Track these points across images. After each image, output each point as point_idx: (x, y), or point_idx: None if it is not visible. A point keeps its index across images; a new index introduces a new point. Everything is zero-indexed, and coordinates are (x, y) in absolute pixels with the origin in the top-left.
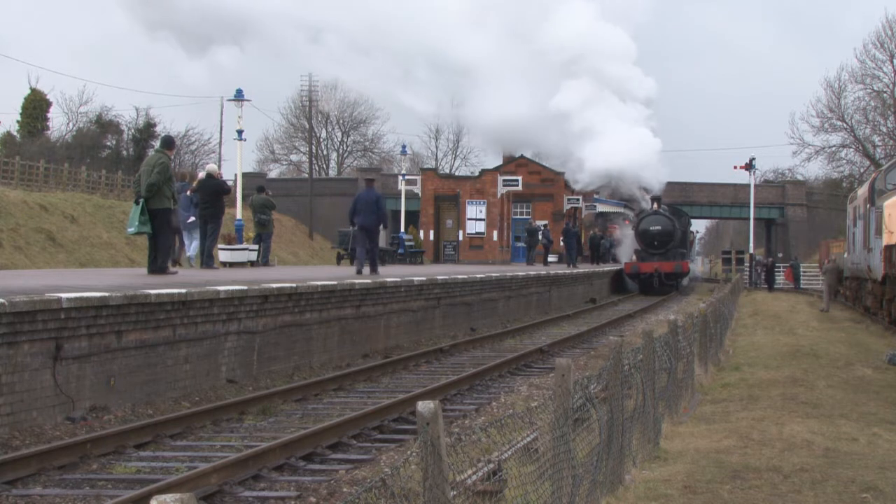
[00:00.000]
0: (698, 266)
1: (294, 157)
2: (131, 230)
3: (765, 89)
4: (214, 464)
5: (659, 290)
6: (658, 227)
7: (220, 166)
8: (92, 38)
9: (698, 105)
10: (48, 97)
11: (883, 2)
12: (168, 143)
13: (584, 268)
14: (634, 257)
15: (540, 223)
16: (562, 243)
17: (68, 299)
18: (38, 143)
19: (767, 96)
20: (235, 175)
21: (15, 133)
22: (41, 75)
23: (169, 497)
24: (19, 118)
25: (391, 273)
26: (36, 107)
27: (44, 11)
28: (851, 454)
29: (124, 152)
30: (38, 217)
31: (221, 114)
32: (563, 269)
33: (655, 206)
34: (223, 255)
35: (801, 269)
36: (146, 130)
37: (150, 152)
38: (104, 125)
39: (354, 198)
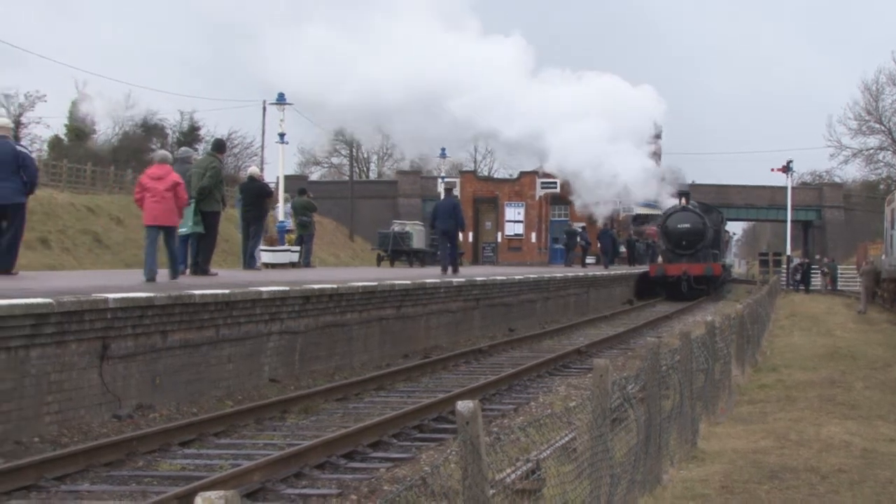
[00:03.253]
0: (735, 267)
1: (335, 160)
2: (184, 230)
3: (802, 92)
4: (257, 461)
5: (687, 295)
6: (686, 226)
7: (262, 169)
8: (135, 41)
9: (735, 109)
10: (86, 94)
11: None
12: (219, 146)
13: (620, 269)
14: (661, 259)
15: (578, 225)
16: (598, 245)
17: (115, 300)
18: (84, 147)
19: (805, 99)
20: (277, 178)
21: (63, 137)
22: (88, 80)
23: (213, 494)
24: (67, 122)
25: (430, 274)
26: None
27: (88, 16)
28: (889, 455)
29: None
30: (84, 219)
31: (263, 117)
32: (600, 271)
33: (683, 201)
34: (265, 257)
35: (839, 271)
36: (190, 134)
37: (197, 156)
38: (149, 129)
39: (435, 205)
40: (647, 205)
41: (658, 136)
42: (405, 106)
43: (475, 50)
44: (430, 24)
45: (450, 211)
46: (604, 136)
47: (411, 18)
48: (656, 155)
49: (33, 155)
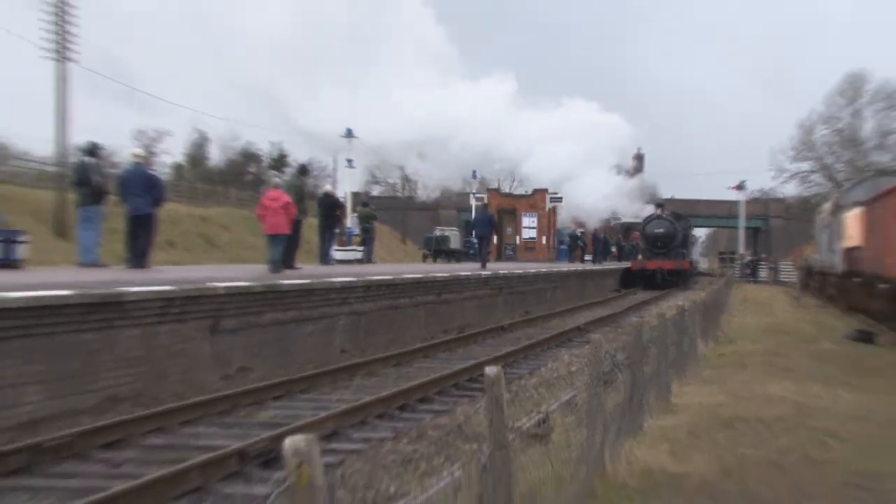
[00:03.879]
0: (700, 264)
1: (390, 180)
2: None
3: (753, 128)
4: (331, 412)
5: (662, 286)
6: (661, 230)
7: (334, 187)
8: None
9: (702, 140)
10: (206, 134)
11: (844, 58)
12: (303, 170)
13: (610, 265)
14: (640, 256)
15: (578, 230)
16: (593, 246)
17: (223, 287)
18: (198, 170)
19: (755, 134)
20: (346, 193)
21: (183, 163)
22: (201, 118)
23: (298, 437)
24: (185, 152)
25: (464, 268)
26: (197, 145)
27: (198, 69)
28: (817, 408)
29: (263, 177)
30: (199, 225)
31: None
32: (595, 266)
33: (659, 211)
34: (337, 255)
35: (781, 265)
36: (280, 160)
37: (283, 178)
38: (248, 156)
39: (474, 217)
40: (632, 216)
41: (639, 158)
42: (426, 141)
43: (469, 93)
44: (432, 79)
45: (486, 221)
46: (576, 158)
47: (419, 78)
48: (637, 171)
49: (161, 177)
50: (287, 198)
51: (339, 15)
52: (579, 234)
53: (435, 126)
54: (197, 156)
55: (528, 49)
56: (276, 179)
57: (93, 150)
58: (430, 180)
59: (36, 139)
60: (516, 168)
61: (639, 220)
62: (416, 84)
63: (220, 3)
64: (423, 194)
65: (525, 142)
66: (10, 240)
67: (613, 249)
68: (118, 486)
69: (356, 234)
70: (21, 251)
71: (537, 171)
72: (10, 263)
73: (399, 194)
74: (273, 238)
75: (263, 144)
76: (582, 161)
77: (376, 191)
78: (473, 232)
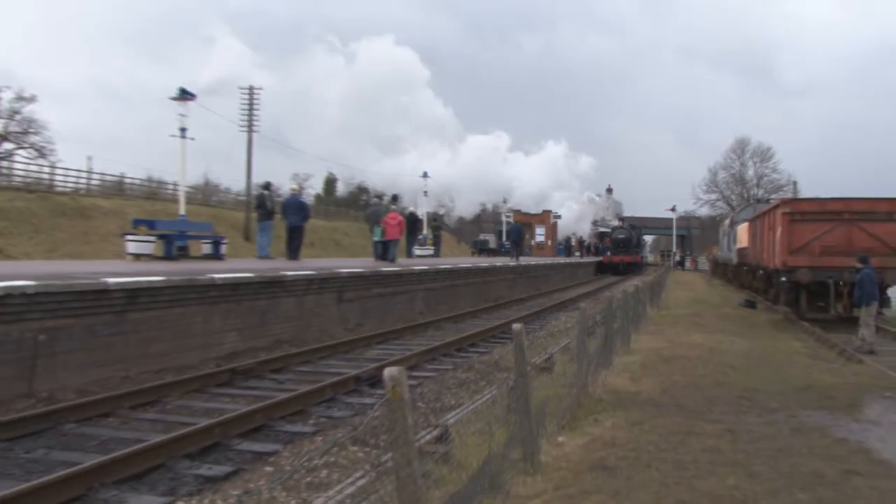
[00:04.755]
0: (648, 258)
1: (449, 204)
2: (376, 238)
3: (680, 171)
4: (414, 351)
5: (623, 273)
6: (623, 236)
7: (416, 208)
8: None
9: (649, 176)
10: (335, 175)
11: (736, 126)
12: (395, 198)
13: (590, 259)
14: (609, 253)
15: (572, 236)
16: (578, 247)
17: (346, 272)
18: (330, 198)
19: (681, 173)
20: (423, 213)
21: (321, 193)
22: (330, 165)
23: (393, 368)
24: (323, 186)
25: (499, 261)
26: (330, 181)
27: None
28: (721, 350)
29: (370, 203)
30: (331, 233)
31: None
32: (580, 260)
33: (621, 223)
34: (417, 252)
35: (699, 259)
36: (383, 191)
37: (382, 203)
38: (361, 189)
39: (507, 228)
40: (606, 227)
41: (609, 190)
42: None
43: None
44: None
45: (517, 232)
46: (547, 184)
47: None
48: (609, 192)
49: (307, 202)
50: (401, 218)
51: (387, 105)
52: (571, 238)
53: (460, 170)
54: (329, 189)
55: (515, 111)
56: (394, 206)
57: (267, 185)
58: (468, 203)
59: (233, 179)
60: (510, 193)
61: (608, 230)
62: (432, 150)
63: (357, 97)
64: (463, 213)
65: (515, 177)
66: (218, 242)
67: (593, 249)
68: (282, 395)
69: (429, 238)
70: (223, 249)
71: (522, 195)
72: (217, 257)
73: (444, 212)
74: (391, 242)
75: (372, 178)
76: (551, 186)
77: (443, 210)
78: (506, 237)
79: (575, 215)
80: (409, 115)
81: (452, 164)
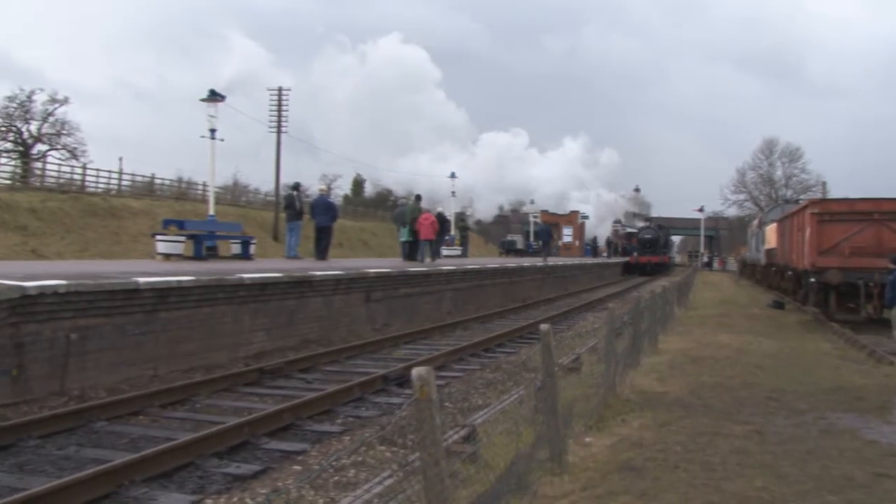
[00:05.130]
0: (676, 259)
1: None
2: (403, 238)
3: (709, 172)
4: (441, 352)
5: (650, 273)
6: (650, 236)
7: (443, 209)
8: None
9: (677, 177)
10: (363, 177)
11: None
12: (418, 198)
13: (617, 259)
14: (636, 253)
15: (599, 238)
16: (606, 247)
17: (374, 272)
18: (358, 199)
19: (711, 175)
20: (451, 213)
21: (349, 194)
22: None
23: (421, 368)
24: (351, 187)
25: (527, 261)
26: (358, 182)
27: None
28: (750, 351)
29: (397, 203)
30: (358, 233)
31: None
32: (608, 260)
33: (649, 224)
34: (445, 252)
35: (727, 260)
36: (409, 192)
37: (407, 203)
38: (388, 190)
39: (535, 229)
40: (630, 226)
41: (637, 191)
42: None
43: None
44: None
45: (546, 233)
46: (567, 184)
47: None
48: (637, 192)
49: (335, 203)
50: (433, 218)
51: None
52: (596, 239)
53: (478, 172)
54: (357, 189)
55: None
56: (425, 207)
57: (295, 186)
58: (488, 204)
59: (262, 180)
60: (530, 194)
61: (636, 230)
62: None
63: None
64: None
65: (534, 177)
66: (247, 242)
67: (620, 249)
68: (310, 395)
69: (457, 239)
70: (252, 249)
71: (541, 196)
72: (246, 257)
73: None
74: (424, 242)
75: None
76: (570, 185)
77: (468, 211)
78: (534, 237)
79: (599, 213)
80: (424, 115)
81: (469, 167)
